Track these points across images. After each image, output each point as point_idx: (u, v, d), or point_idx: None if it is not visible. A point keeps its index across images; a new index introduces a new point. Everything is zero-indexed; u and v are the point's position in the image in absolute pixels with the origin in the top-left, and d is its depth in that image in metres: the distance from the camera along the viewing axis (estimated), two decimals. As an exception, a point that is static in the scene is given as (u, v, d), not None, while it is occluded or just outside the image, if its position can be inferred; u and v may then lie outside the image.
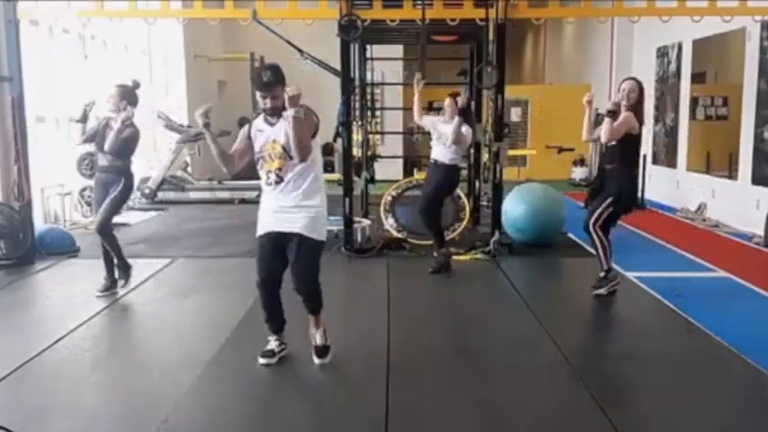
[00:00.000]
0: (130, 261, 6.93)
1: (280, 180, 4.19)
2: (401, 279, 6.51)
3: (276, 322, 4.45)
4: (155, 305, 5.85)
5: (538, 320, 5.21)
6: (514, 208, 7.85)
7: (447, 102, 6.80)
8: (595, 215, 5.73)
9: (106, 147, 5.84)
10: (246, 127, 4.39)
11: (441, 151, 6.71)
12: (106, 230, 6.03)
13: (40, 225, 8.04)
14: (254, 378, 4.18)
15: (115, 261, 6.11)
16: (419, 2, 7.33)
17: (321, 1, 7.37)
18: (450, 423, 3.60)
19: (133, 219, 10.11)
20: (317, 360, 4.37)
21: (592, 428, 3.54)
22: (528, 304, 5.66)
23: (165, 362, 4.54)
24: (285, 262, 4.32)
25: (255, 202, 13.53)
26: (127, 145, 5.91)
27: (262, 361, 4.37)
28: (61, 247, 7.63)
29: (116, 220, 9.74)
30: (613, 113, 5.51)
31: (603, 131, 5.56)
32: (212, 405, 3.88)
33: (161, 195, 11.90)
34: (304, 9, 7.58)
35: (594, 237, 5.77)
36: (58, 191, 9.47)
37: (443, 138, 6.64)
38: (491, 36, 7.31)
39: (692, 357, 4.68)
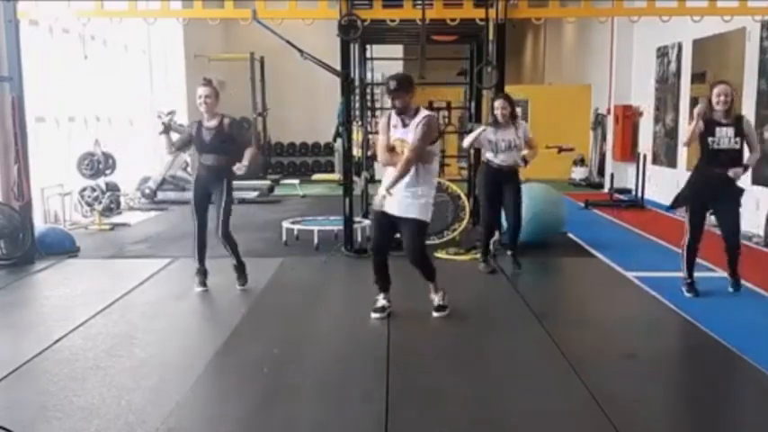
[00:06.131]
0: (131, 261, 6.93)
1: None
2: (401, 279, 6.50)
3: (384, 282, 5.38)
4: (155, 305, 5.85)
5: (538, 320, 5.21)
6: (514, 208, 7.83)
7: (500, 104, 6.61)
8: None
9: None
10: (385, 120, 5.24)
11: (511, 156, 6.61)
12: (228, 235, 6.10)
13: (40, 225, 8.04)
14: (254, 378, 4.17)
15: (234, 263, 6.17)
16: (419, 2, 7.33)
17: (321, 1, 7.37)
18: (449, 423, 3.61)
19: (133, 219, 10.11)
20: (434, 314, 5.32)
21: (591, 428, 3.54)
22: (528, 304, 5.66)
23: (164, 362, 4.54)
24: (393, 234, 5.36)
25: (255, 202, 13.52)
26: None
27: (375, 316, 5.25)
28: (61, 247, 7.62)
29: (117, 219, 9.85)
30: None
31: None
32: (212, 405, 3.88)
33: (161, 195, 11.91)
34: (304, 9, 7.58)
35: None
36: (58, 191, 9.47)
37: (511, 144, 6.56)
38: (491, 36, 7.31)
39: (692, 357, 4.68)
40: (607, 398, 3.80)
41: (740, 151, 5.68)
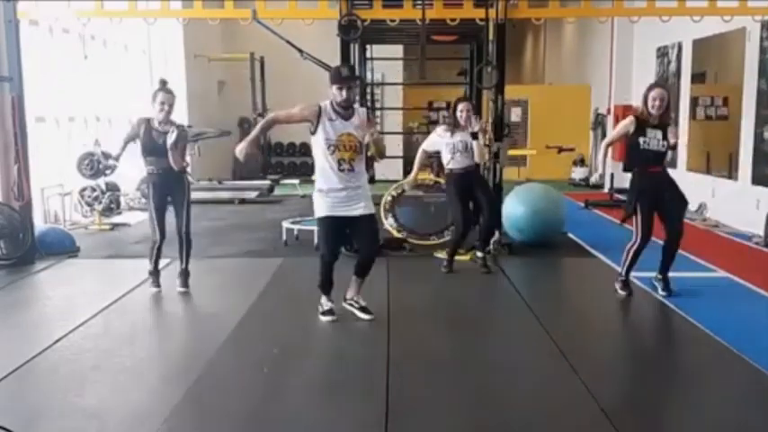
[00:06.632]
0: (131, 261, 6.89)
1: (352, 169, 4.86)
2: (401, 279, 6.50)
3: (330, 287, 5.14)
4: (155, 305, 5.85)
5: (538, 320, 5.20)
6: (514, 208, 7.85)
7: (464, 106, 6.56)
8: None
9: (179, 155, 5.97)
10: (316, 108, 4.88)
11: (468, 157, 6.52)
12: (190, 234, 6.17)
13: (40, 225, 8.03)
14: (253, 378, 4.17)
15: (182, 266, 6.12)
16: (419, 2, 7.34)
17: (321, 1, 7.38)
18: (450, 423, 3.61)
19: (133, 219, 10.11)
20: (365, 316, 5.12)
21: (591, 428, 3.54)
22: (528, 304, 5.65)
23: (164, 362, 4.54)
24: (345, 238, 5.17)
25: (255, 202, 13.52)
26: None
27: (326, 318, 5.08)
28: (61, 247, 7.62)
29: (117, 219, 9.85)
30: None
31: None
32: (212, 405, 3.88)
33: (161, 195, 11.89)
34: (304, 9, 7.59)
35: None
36: (58, 191, 9.47)
37: (467, 145, 6.47)
38: (491, 36, 7.31)
39: (691, 357, 4.68)
40: (607, 398, 3.80)
41: (665, 154, 5.77)
